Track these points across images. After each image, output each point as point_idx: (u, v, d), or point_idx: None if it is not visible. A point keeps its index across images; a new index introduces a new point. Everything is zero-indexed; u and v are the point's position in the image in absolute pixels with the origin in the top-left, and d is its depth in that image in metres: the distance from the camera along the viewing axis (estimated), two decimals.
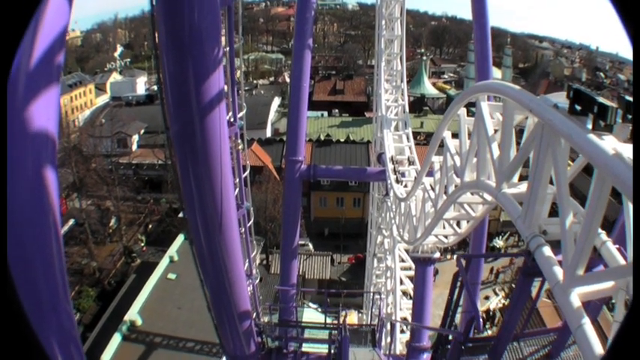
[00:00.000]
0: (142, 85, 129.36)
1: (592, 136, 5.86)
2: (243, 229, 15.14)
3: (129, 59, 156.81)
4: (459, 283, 8.13)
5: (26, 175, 6.61)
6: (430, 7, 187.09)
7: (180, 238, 47.92)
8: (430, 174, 15.27)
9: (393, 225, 24.03)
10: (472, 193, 11.28)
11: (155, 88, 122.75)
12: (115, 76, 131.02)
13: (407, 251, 25.73)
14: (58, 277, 7.39)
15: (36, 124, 6.51)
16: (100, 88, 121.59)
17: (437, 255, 19.05)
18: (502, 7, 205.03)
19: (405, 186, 22.95)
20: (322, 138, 77.69)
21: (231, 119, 13.19)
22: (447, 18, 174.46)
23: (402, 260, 28.17)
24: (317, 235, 64.41)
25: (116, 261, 65.53)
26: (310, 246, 60.08)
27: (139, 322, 40.46)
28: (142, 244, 68.51)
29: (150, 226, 72.73)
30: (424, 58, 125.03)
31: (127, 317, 40.92)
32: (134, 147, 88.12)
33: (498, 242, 61.71)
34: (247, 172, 15.27)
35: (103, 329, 47.27)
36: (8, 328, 3.25)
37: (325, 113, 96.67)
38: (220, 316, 14.50)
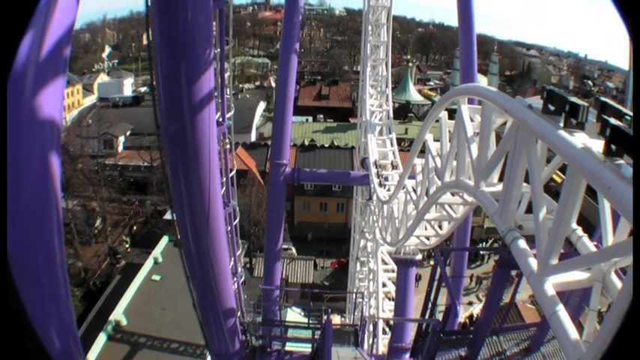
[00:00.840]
0: (129, 86, 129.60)
1: (563, 132, 6.14)
2: (229, 228, 15.41)
3: (117, 60, 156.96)
4: (437, 276, 8.43)
5: (32, 166, 6.83)
6: (417, 13, 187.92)
7: (164, 240, 48.17)
8: (412, 177, 15.60)
9: (375, 228, 24.44)
10: (452, 194, 11.61)
11: (142, 89, 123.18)
12: (103, 77, 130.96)
13: (389, 254, 26.05)
14: (59, 270, 7.59)
15: (44, 114, 6.75)
16: (88, 89, 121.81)
17: (419, 257, 19.39)
18: (490, 14, 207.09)
19: (388, 190, 23.34)
20: (306, 143, 77.85)
21: (220, 119, 13.47)
22: (434, 25, 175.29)
23: (385, 263, 28.50)
24: (300, 240, 64.41)
25: (101, 262, 65.46)
26: (293, 250, 60.19)
27: (123, 322, 40.62)
28: (127, 246, 68.52)
29: (135, 227, 72.81)
30: (410, 64, 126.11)
31: (112, 317, 41.03)
32: (120, 148, 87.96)
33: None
34: (234, 172, 15.57)
35: (89, 329, 47.40)
36: (6, 320, 3.25)
37: (310, 118, 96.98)
38: (206, 314, 14.74)
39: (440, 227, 15.17)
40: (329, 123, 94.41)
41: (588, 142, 5.93)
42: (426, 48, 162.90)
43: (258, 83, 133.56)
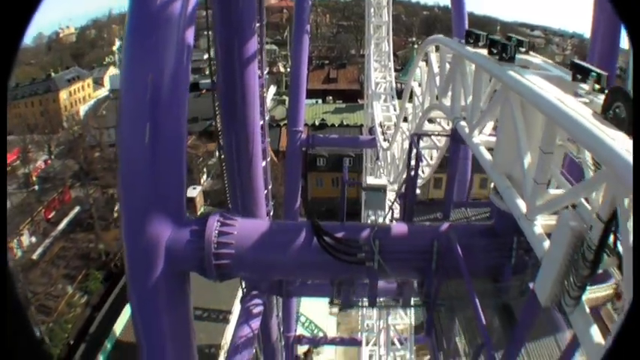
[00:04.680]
0: None
1: (502, 66, 8.16)
2: (264, 163, 18.88)
3: None
4: (413, 155, 11.35)
5: None
6: None
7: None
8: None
9: (382, 175, 27.53)
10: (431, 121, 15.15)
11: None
12: (113, 70, 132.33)
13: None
14: None
15: None
16: (98, 82, 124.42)
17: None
18: None
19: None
20: (317, 123, 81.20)
21: (260, 74, 16.85)
22: (439, 8, 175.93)
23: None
24: (315, 214, 67.30)
25: (121, 244, 68.02)
26: None
27: None
28: None
29: None
30: (415, 47, 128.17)
31: None
32: None
33: None
34: (267, 117, 19.15)
35: (111, 308, 50.91)
36: (9, 326, 3.30)
37: (320, 100, 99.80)
38: None
39: (431, 159, 18.50)
40: (338, 104, 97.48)
41: (522, 72, 7.74)
42: (431, 30, 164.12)
43: (267, 69, 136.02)
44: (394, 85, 37.05)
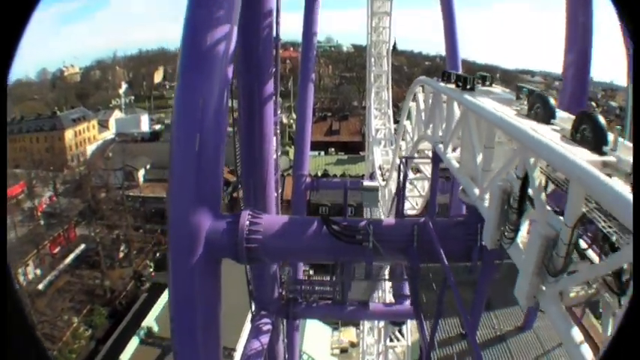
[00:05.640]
0: (145, 122, 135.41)
1: (463, 94, 11.31)
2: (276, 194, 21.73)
3: (132, 97, 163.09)
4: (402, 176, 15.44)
5: None
6: (424, 47, 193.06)
7: None
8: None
9: (381, 215, 30.89)
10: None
11: (157, 127, 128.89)
12: (118, 114, 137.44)
13: None
14: None
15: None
16: (103, 125, 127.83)
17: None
18: (497, 45, 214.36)
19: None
20: (320, 174, 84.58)
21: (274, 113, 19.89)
22: (441, 58, 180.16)
23: None
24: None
25: (126, 283, 71.07)
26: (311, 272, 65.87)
27: (155, 328, 45.52)
28: (151, 270, 74.13)
29: (158, 254, 78.16)
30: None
31: (144, 323, 46.00)
32: (141, 180, 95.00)
33: None
34: (280, 153, 22.22)
35: (116, 342, 53.27)
36: (10, 325, 3.53)
37: (322, 152, 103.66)
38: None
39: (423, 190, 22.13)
40: (340, 156, 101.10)
41: (476, 96, 10.69)
42: None
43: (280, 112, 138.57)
44: (393, 131, 40.64)
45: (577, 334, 6.33)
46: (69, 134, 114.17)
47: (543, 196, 7.44)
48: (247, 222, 12.51)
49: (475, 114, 10.42)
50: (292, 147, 55.95)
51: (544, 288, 7.16)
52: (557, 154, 6.58)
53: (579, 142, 6.64)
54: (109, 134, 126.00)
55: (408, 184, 18.54)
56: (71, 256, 74.58)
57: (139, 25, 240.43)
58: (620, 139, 6.25)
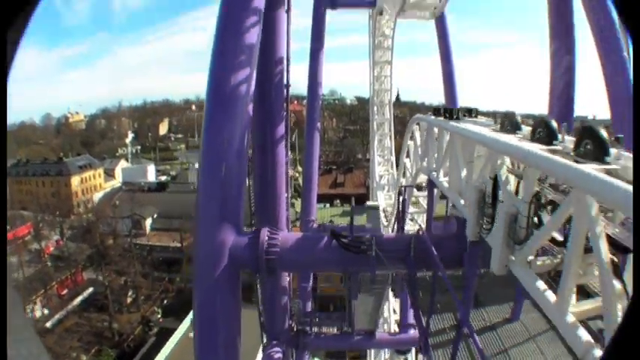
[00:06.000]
0: (152, 173, 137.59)
1: (449, 122, 13.40)
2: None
3: (139, 146, 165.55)
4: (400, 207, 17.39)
5: None
6: (427, 98, 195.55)
7: None
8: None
9: None
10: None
11: (163, 178, 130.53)
12: (124, 163, 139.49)
13: None
14: None
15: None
16: (109, 173, 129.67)
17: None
18: (498, 89, 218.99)
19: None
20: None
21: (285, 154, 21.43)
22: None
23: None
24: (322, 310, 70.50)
25: (134, 328, 72.06)
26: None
27: None
28: (159, 316, 75.05)
29: (165, 301, 79.44)
30: None
31: None
32: (147, 229, 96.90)
33: None
34: (291, 191, 23.81)
35: None
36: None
37: (328, 205, 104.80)
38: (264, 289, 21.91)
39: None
40: (345, 207, 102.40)
41: (461, 124, 12.39)
42: None
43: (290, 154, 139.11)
44: (396, 177, 42.41)
45: (541, 285, 7.76)
46: (75, 181, 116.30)
47: (508, 187, 9.17)
48: (266, 237, 14.06)
49: (458, 136, 12.35)
50: (298, 199, 57.09)
51: (513, 258, 8.71)
52: (520, 150, 8.19)
53: (582, 156, 7.16)
54: (116, 183, 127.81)
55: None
56: (79, 298, 75.85)
57: (143, 74, 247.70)
58: (624, 153, 6.86)
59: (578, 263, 7.06)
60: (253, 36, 13.93)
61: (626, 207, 5.70)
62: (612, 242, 6.58)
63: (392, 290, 19.12)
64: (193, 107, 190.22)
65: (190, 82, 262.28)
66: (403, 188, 18.96)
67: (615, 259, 6.30)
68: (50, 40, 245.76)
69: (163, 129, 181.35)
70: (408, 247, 14.32)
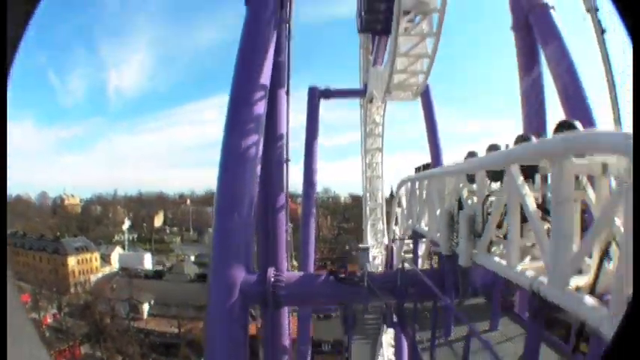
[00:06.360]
0: (148, 260, 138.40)
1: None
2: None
3: (136, 234, 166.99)
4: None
5: None
6: None
7: None
8: None
9: None
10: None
11: (159, 267, 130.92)
12: (119, 250, 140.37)
13: None
14: None
15: None
16: (104, 259, 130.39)
17: None
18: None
19: None
20: (322, 315, 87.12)
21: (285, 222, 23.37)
22: None
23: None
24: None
25: None
26: None
27: None
28: None
29: None
30: None
31: None
32: (145, 314, 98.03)
33: None
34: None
35: None
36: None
37: None
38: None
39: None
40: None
41: None
42: None
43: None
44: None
45: (499, 259, 9.80)
46: (72, 261, 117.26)
47: (469, 201, 11.98)
48: (272, 275, 16.25)
49: (432, 177, 15.07)
50: None
51: (476, 251, 10.93)
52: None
53: None
54: (112, 268, 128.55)
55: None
56: None
57: (136, 164, 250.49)
58: None
59: (517, 229, 9.04)
60: (260, 108, 16.73)
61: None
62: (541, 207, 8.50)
63: (384, 323, 21.28)
64: (188, 202, 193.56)
65: (184, 177, 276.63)
66: (391, 241, 22.36)
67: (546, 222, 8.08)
68: (47, 117, 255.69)
69: (158, 221, 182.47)
70: (395, 279, 16.46)
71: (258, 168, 16.55)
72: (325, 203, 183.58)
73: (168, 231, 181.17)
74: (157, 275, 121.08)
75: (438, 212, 14.42)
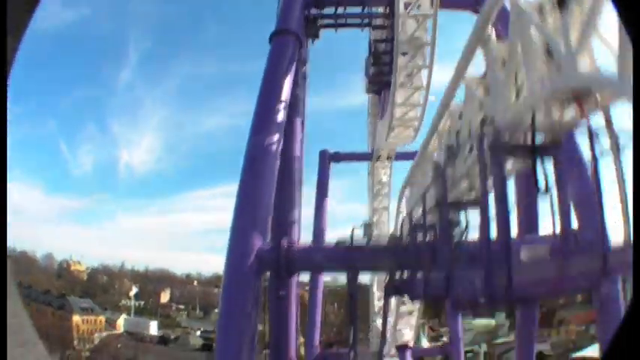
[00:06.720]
0: (154, 327, 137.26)
1: None
2: None
3: (142, 302, 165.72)
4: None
5: None
6: None
7: None
8: None
9: None
10: None
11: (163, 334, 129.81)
12: (125, 317, 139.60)
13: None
14: None
15: None
16: (110, 323, 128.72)
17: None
18: None
19: None
20: None
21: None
22: None
23: None
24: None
25: None
26: None
27: None
28: None
29: None
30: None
31: None
32: None
33: None
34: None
35: None
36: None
37: None
38: None
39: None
40: None
41: None
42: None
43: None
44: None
45: None
46: (77, 320, 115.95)
47: None
48: (286, 244, 17.58)
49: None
50: None
51: None
52: None
53: None
54: (118, 332, 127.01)
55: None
56: None
57: (141, 242, 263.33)
58: None
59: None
60: (280, 116, 19.17)
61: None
62: None
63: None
64: (195, 283, 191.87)
65: (190, 260, 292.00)
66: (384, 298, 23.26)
67: None
68: (54, 185, 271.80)
69: (165, 297, 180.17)
70: (396, 240, 18.17)
71: (274, 179, 18.30)
72: (334, 290, 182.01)
73: (174, 307, 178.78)
74: (162, 341, 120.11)
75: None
